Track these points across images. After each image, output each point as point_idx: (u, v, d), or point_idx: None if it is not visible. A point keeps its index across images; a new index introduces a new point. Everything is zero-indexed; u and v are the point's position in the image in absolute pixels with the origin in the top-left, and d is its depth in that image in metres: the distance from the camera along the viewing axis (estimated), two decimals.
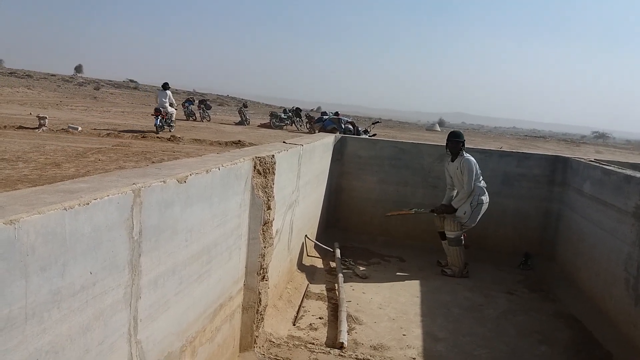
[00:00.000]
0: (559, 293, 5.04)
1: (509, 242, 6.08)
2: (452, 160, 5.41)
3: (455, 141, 5.35)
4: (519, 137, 48.26)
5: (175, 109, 18.50)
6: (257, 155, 3.14)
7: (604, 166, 4.89)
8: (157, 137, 15.17)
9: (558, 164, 5.95)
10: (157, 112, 16.79)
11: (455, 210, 5.34)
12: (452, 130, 5.62)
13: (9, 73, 52.23)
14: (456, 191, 5.47)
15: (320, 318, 4.02)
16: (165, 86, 17.90)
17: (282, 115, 25.94)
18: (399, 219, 6.16)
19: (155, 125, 16.61)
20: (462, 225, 5.32)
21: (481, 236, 5.91)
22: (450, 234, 5.35)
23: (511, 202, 6.07)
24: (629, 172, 4.36)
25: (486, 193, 5.36)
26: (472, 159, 5.33)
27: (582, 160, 5.59)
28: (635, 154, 29.93)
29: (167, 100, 17.50)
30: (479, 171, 5.33)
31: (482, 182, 5.38)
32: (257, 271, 3.20)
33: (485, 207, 5.34)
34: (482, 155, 6.14)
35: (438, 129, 45.29)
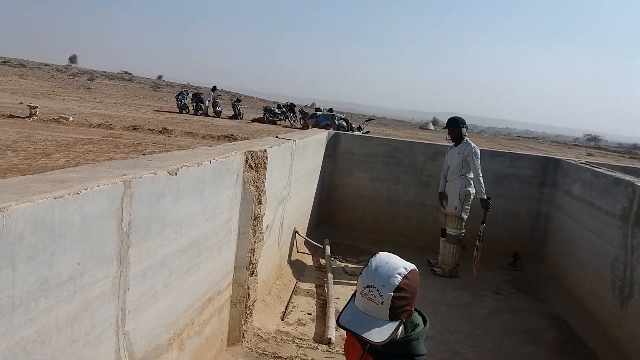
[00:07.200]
0: (547, 293, 5.08)
1: (498, 242, 6.11)
2: (455, 145, 5.41)
3: (457, 128, 5.34)
4: (512, 137, 48.47)
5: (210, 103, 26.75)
6: (249, 150, 3.13)
7: (593, 168, 4.93)
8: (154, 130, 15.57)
9: (549, 165, 5.99)
10: (215, 103, 25.84)
11: (489, 198, 5.25)
12: (451, 117, 5.58)
13: (3, 62, 51.63)
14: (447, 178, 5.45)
15: (308, 314, 4.03)
16: (214, 88, 26.47)
17: (276, 110, 25.85)
18: (389, 217, 6.17)
19: (215, 111, 25.62)
20: (463, 222, 5.34)
21: (471, 235, 5.93)
22: (451, 231, 5.37)
23: (502, 202, 6.10)
24: (618, 174, 4.40)
25: (472, 184, 5.36)
26: (477, 147, 5.35)
27: (572, 162, 5.63)
28: (626, 158, 30.16)
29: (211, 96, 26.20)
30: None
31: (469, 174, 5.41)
32: (246, 266, 3.20)
33: (472, 197, 5.35)
34: None
35: (432, 127, 45.42)
